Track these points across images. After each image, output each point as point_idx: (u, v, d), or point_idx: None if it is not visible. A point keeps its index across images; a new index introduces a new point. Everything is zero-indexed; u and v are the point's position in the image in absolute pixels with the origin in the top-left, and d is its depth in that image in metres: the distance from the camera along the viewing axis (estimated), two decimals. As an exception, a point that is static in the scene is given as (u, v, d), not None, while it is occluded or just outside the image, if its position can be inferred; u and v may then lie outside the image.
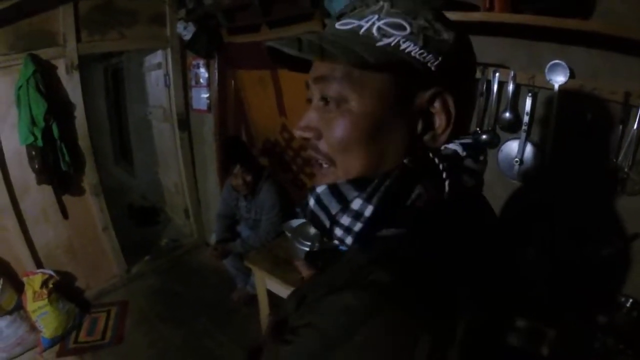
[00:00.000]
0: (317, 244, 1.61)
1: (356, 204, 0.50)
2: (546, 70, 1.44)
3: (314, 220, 0.55)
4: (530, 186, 1.60)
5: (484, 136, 1.62)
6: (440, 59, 0.51)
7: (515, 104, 1.54)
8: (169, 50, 3.06)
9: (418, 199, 0.50)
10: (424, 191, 0.50)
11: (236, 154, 2.55)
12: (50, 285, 2.44)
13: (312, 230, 1.70)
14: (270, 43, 0.54)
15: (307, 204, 0.55)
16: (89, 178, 2.71)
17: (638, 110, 1.37)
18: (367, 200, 0.49)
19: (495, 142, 1.61)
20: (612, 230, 1.53)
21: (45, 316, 2.38)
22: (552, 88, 1.44)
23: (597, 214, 1.55)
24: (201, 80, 3.09)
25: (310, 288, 0.58)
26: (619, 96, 1.39)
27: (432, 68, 0.50)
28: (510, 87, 1.51)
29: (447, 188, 0.51)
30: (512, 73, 1.49)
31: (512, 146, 1.57)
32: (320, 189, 0.53)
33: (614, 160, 1.44)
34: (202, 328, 2.59)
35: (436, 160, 0.51)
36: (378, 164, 0.52)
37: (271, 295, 1.95)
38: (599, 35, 1.27)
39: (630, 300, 1.49)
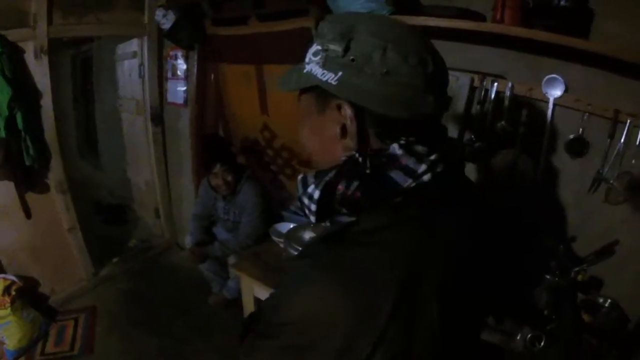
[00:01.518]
0: None
1: (310, 189, 0.65)
2: (543, 83, 1.53)
3: (300, 201, 0.69)
4: (523, 194, 1.67)
5: (477, 144, 1.67)
6: (340, 73, 0.60)
7: (511, 115, 1.60)
8: (145, 38, 2.95)
9: (356, 190, 0.60)
10: (360, 184, 0.60)
11: (217, 152, 2.51)
12: (13, 292, 2.30)
13: (306, 235, 1.69)
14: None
15: None
16: (55, 174, 2.57)
17: (625, 126, 1.51)
18: (317, 187, 0.64)
19: (490, 151, 1.66)
20: (594, 236, 1.67)
21: (8, 326, 2.27)
22: (547, 101, 1.54)
23: (582, 222, 1.70)
24: (179, 73, 3.01)
25: None
26: (609, 113, 1.53)
27: (333, 83, 0.61)
28: (508, 97, 1.56)
29: (388, 182, 0.60)
30: (510, 84, 1.55)
31: (506, 155, 1.63)
32: (300, 176, 0.69)
33: (600, 172, 1.57)
34: (179, 334, 2.53)
35: (360, 159, 0.61)
36: (324, 158, 0.67)
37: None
38: (595, 54, 1.38)
39: (609, 301, 1.63)
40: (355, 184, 0.60)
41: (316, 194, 0.64)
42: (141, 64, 3.07)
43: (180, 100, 3.06)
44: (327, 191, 0.63)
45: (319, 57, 0.63)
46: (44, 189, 2.57)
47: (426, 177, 0.60)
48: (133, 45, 3.12)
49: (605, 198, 1.60)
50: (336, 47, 0.60)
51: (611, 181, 1.56)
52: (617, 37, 1.47)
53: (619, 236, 1.64)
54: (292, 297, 0.58)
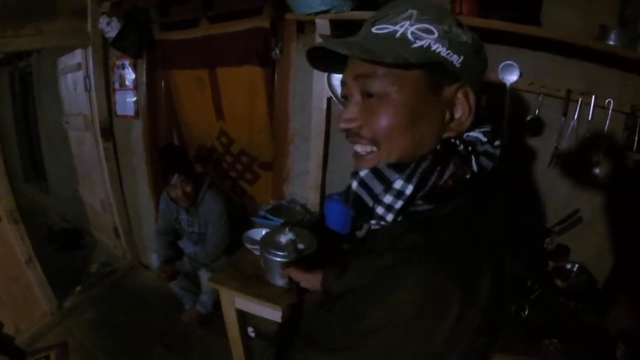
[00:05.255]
0: (294, 253, 1.67)
1: (398, 184, 0.64)
2: (499, 70, 1.72)
3: (356, 201, 0.69)
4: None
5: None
6: (462, 57, 0.65)
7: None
8: (89, 48, 2.90)
9: (449, 178, 0.64)
10: (453, 171, 0.64)
11: (173, 162, 2.51)
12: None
13: (283, 239, 1.74)
14: (320, 44, 0.67)
15: (349, 187, 0.70)
16: (5, 203, 2.49)
17: (577, 104, 1.74)
18: (407, 181, 0.64)
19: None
20: (556, 205, 1.92)
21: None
22: (504, 86, 1.72)
23: (546, 195, 1.94)
24: (127, 83, 2.99)
25: (347, 260, 0.71)
26: (562, 93, 1.76)
27: (457, 65, 0.65)
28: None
29: (473, 168, 0.65)
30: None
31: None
32: (363, 173, 0.67)
33: (557, 148, 1.81)
34: (158, 358, 2.53)
35: (461, 146, 0.66)
36: (416, 147, 0.66)
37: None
38: (547, 40, 1.56)
39: (577, 266, 1.89)
40: (449, 172, 0.64)
41: (409, 189, 0.63)
42: (86, 76, 3.01)
43: (131, 112, 3.04)
44: (422, 183, 0.63)
45: (432, 36, 0.63)
46: (-7, 220, 2.48)
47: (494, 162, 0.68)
48: (76, 56, 3.06)
49: (563, 171, 1.84)
50: (458, 31, 0.65)
51: (568, 155, 1.79)
52: (567, 22, 1.68)
53: (579, 205, 1.88)
54: (383, 296, 0.55)
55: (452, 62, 0.64)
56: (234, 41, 2.33)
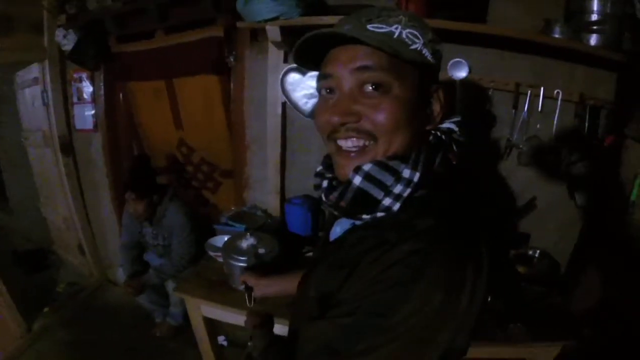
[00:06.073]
0: (254, 258, 1.70)
1: (406, 173, 0.68)
2: (448, 67, 1.79)
3: (359, 196, 0.69)
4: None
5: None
6: (437, 63, 0.74)
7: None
8: (46, 62, 2.87)
9: (439, 164, 0.71)
10: (442, 158, 0.72)
11: (129, 178, 2.51)
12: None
13: (244, 244, 1.77)
14: (328, 31, 0.68)
15: (348, 184, 0.69)
16: None
17: (527, 97, 1.84)
18: (414, 169, 0.68)
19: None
20: (514, 195, 2.03)
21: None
22: (454, 82, 1.79)
23: (502, 185, 2.03)
24: (85, 96, 2.97)
25: (338, 265, 0.71)
26: (511, 86, 1.85)
27: (436, 68, 0.75)
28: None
29: (455, 155, 0.75)
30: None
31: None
32: (368, 167, 0.68)
33: (509, 139, 1.90)
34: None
35: (443, 136, 0.74)
36: (410, 140, 0.70)
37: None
38: (493, 36, 1.65)
39: (538, 251, 2.00)
40: (438, 159, 0.72)
41: (416, 177, 0.67)
42: (44, 91, 2.97)
43: (90, 126, 3.02)
44: (427, 170, 0.69)
45: (420, 42, 0.70)
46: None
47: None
48: (33, 71, 3.02)
49: (518, 161, 1.93)
50: (434, 39, 0.73)
51: (521, 146, 1.88)
52: (514, 18, 1.78)
53: (534, 193, 2.00)
54: (413, 284, 0.57)
55: (434, 65, 0.73)
56: (190, 51, 2.37)
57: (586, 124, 1.84)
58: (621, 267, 1.69)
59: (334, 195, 0.72)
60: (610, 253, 1.77)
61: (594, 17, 1.64)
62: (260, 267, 1.59)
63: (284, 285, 1.28)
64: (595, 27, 1.64)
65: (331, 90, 0.71)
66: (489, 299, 1.61)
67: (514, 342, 1.56)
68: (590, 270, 1.84)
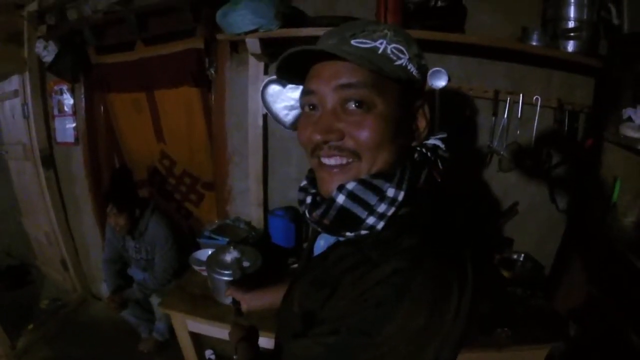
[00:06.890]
0: (238, 271, 1.70)
1: (390, 192, 0.67)
2: (428, 76, 1.80)
3: (341, 215, 0.68)
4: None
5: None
6: (422, 78, 0.74)
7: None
8: (26, 74, 2.84)
9: (424, 181, 0.72)
10: (427, 175, 0.73)
11: (110, 191, 2.50)
12: None
13: (228, 258, 1.77)
14: (309, 48, 0.66)
15: (331, 202, 0.69)
16: None
17: (506, 104, 1.88)
18: (398, 188, 0.67)
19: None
20: (496, 201, 2.06)
21: None
22: (433, 91, 1.81)
23: (484, 190, 2.06)
24: (65, 109, 2.94)
25: (320, 282, 0.71)
26: (490, 94, 1.89)
27: (420, 84, 0.74)
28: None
29: (440, 172, 0.75)
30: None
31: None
32: (351, 185, 0.67)
33: (490, 146, 1.91)
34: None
35: (428, 153, 0.74)
36: (395, 157, 0.70)
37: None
38: (471, 45, 1.68)
39: (522, 255, 2.03)
40: (423, 176, 0.72)
41: (400, 196, 0.67)
42: (24, 103, 2.94)
43: (71, 139, 2.99)
44: (410, 189, 0.68)
45: (405, 57, 0.69)
46: None
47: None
48: (13, 83, 2.99)
49: (498, 167, 1.97)
50: (420, 54, 0.73)
51: (501, 152, 1.92)
52: (492, 26, 1.82)
53: (516, 198, 2.03)
54: (397, 302, 0.57)
55: (419, 81, 0.72)
56: (170, 63, 2.37)
57: (565, 128, 1.88)
58: (604, 267, 1.71)
59: (317, 213, 0.71)
60: (592, 254, 1.80)
61: (571, 24, 1.67)
62: (246, 281, 1.59)
63: (271, 298, 1.26)
64: (571, 34, 1.67)
65: (314, 107, 0.71)
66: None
67: (502, 347, 1.57)
68: (573, 271, 1.87)
